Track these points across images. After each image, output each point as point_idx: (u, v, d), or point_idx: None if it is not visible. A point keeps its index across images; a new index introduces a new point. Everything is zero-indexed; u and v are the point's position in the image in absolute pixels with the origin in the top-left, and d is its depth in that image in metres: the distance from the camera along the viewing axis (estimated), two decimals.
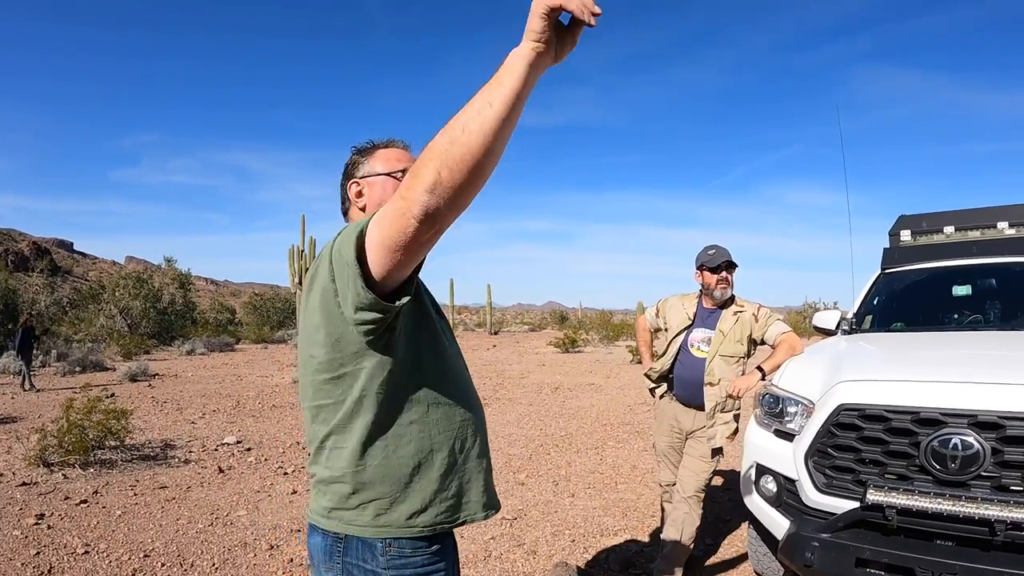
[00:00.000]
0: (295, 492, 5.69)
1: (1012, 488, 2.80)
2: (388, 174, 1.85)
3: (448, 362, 1.77)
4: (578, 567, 4.23)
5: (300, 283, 28.91)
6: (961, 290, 5.22)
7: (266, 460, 6.77)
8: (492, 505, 1.81)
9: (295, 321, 29.06)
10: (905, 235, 5.89)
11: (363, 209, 1.85)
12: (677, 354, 4.26)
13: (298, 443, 7.55)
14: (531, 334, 37.84)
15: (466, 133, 1.26)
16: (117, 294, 23.39)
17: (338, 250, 1.46)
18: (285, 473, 6.31)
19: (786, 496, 3.42)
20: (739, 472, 6.41)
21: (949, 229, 5.67)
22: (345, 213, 1.92)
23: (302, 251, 30.08)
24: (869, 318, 5.37)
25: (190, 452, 6.99)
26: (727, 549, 4.74)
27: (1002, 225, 5.44)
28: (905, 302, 5.51)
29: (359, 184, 1.87)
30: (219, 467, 6.35)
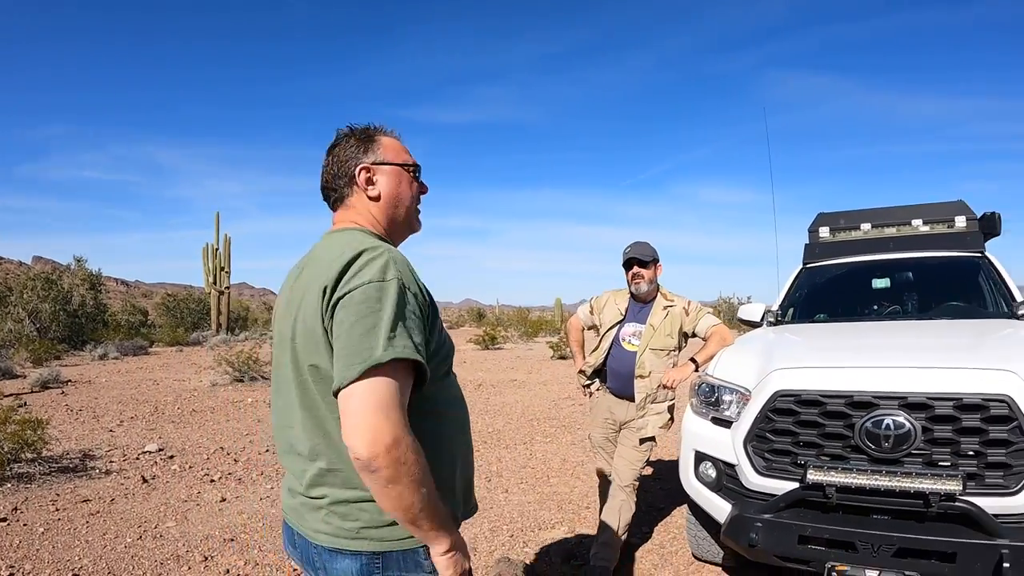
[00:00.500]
0: (224, 500, 5.51)
1: (941, 463, 2.97)
2: (401, 165, 1.82)
3: (449, 361, 1.76)
4: (521, 562, 4.23)
5: (215, 282, 28.09)
6: (880, 283, 5.49)
7: (190, 468, 6.53)
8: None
9: (210, 322, 28.08)
10: (824, 232, 6.15)
11: (375, 198, 1.79)
12: (610, 348, 4.34)
13: (222, 448, 7.32)
14: (450, 331, 37.65)
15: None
16: (25, 296, 22.09)
17: (348, 333, 1.45)
18: (212, 480, 6.10)
19: (726, 481, 3.52)
20: (670, 462, 6.58)
21: (866, 226, 5.95)
22: (338, 198, 1.82)
23: (216, 249, 29.14)
24: (792, 310, 5.58)
25: (111, 462, 6.68)
26: (663, 536, 4.83)
27: (916, 222, 5.75)
28: (827, 295, 5.75)
29: (370, 171, 1.78)
30: (142, 477, 6.08)
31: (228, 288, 28.93)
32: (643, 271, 4.21)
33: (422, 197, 1.91)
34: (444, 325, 1.78)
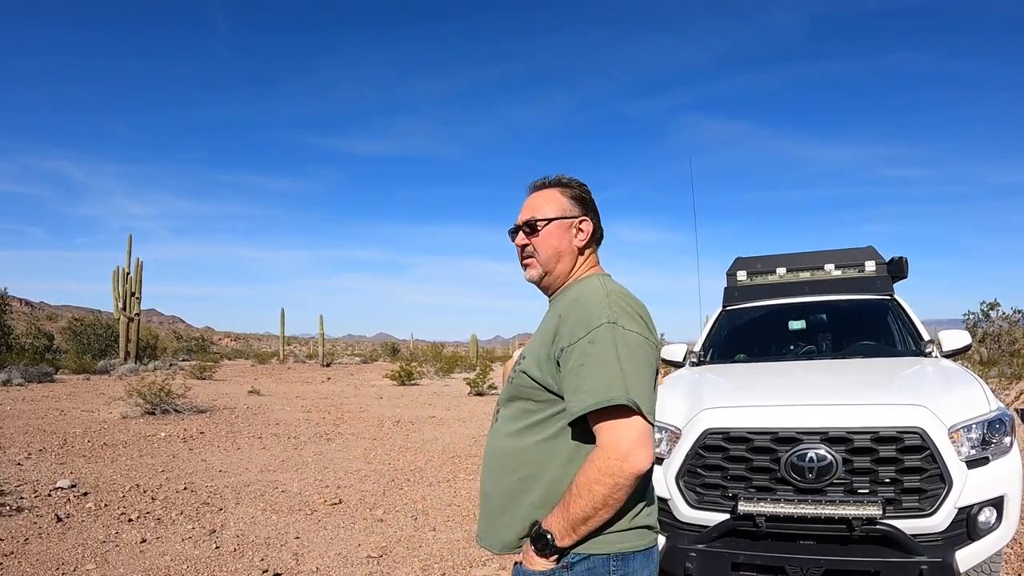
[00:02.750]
0: (144, 541, 5.33)
1: (861, 491, 3.24)
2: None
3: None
4: None
5: (124, 308, 26.96)
6: (796, 324, 5.81)
7: (106, 506, 6.27)
8: None
9: (118, 350, 26.85)
10: (742, 275, 6.47)
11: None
12: None
13: (138, 485, 7.06)
14: (364, 366, 37.25)
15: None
16: None
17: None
18: (129, 520, 5.89)
19: (659, 515, 3.65)
20: None
21: (781, 270, 6.30)
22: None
23: (127, 273, 28.04)
24: (713, 350, 5.83)
25: (21, 498, 6.35)
26: None
27: (829, 267, 6.13)
28: (746, 336, 6.04)
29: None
30: (56, 515, 5.81)
31: (138, 314, 27.93)
32: None
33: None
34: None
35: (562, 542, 1.79)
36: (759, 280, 6.42)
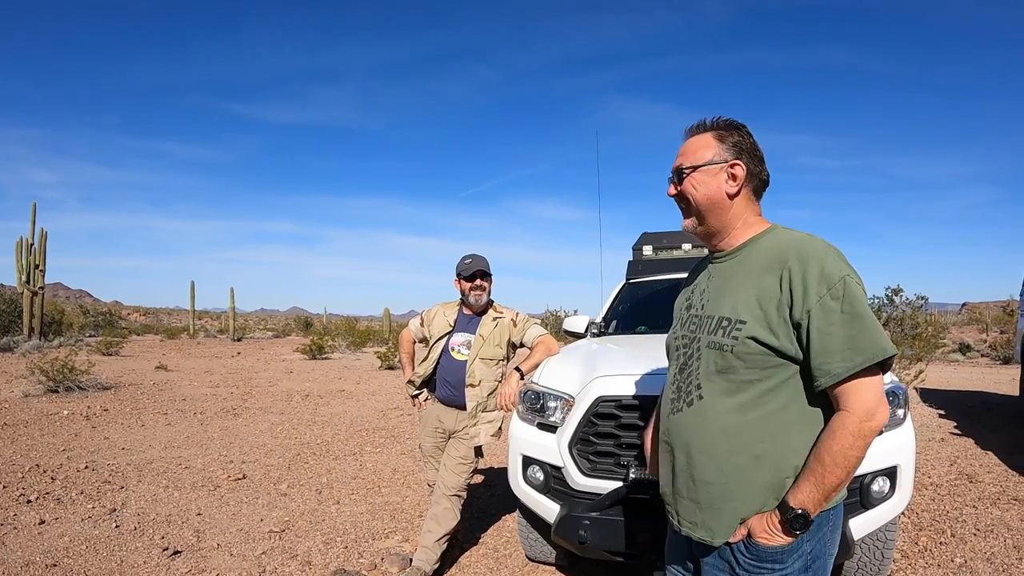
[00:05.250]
0: (43, 522, 5.14)
1: None
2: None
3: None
4: (357, 572, 4.25)
5: (28, 281, 25.50)
6: None
7: (4, 488, 6.01)
8: None
9: (21, 326, 25.40)
10: (647, 250, 6.58)
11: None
12: (439, 358, 4.47)
13: (38, 466, 6.77)
14: (276, 340, 36.49)
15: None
16: None
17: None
18: (28, 501, 5.66)
19: (553, 483, 3.71)
20: (500, 470, 6.78)
21: (687, 246, 6.44)
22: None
23: (31, 244, 26.47)
24: (615, 322, 5.93)
25: None
26: (496, 540, 5.00)
27: None
28: (648, 308, 6.14)
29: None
30: None
31: (43, 288, 26.49)
32: (484, 283, 4.38)
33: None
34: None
35: (814, 515, 1.76)
36: (664, 255, 6.54)
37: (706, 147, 1.96)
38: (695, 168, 1.95)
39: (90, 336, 32.18)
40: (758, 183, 2.00)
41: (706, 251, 2.14)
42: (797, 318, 1.75)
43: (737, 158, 1.95)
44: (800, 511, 1.74)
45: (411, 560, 4.31)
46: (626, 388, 3.49)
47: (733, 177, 1.94)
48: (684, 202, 2.00)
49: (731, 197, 1.95)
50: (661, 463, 2.09)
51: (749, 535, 1.82)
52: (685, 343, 2.01)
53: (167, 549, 4.65)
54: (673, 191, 2.00)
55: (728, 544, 1.86)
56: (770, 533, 1.78)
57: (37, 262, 26.35)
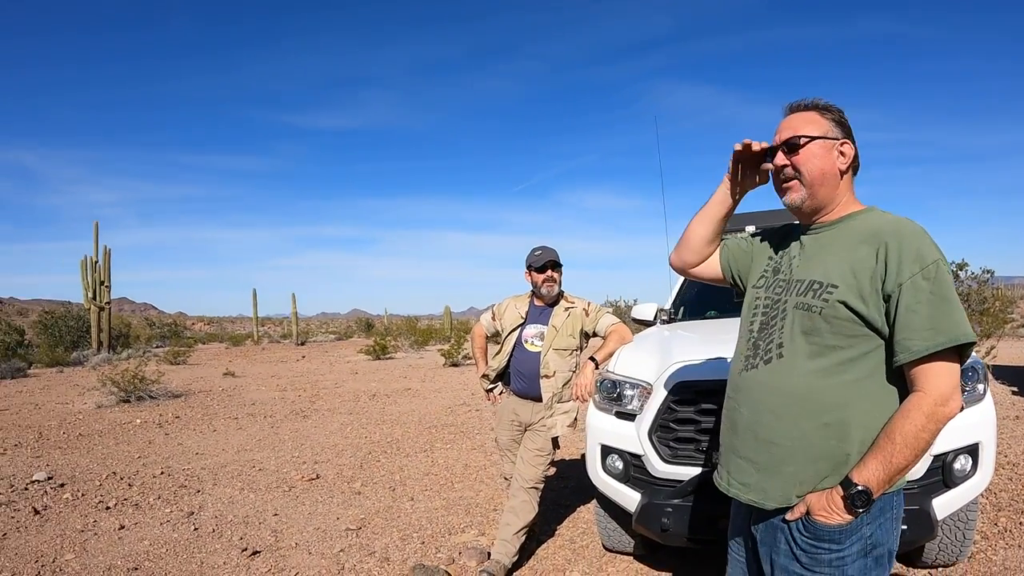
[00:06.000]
0: (123, 527, 5.26)
1: None
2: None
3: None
4: (437, 567, 4.24)
5: (94, 297, 26.48)
6: None
7: (83, 495, 6.18)
8: None
9: (90, 340, 26.39)
10: None
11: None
12: (512, 351, 4.44)
13: (115, 473, 6.96)
14: (339, 343, 37.04)
15: None
16: None
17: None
18: (107, 508, 5.81)
19: (634, 471, 3.65)
20: (572, 461, 6.73)
21: (751, 228, 6.28)
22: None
23: (95, 262, 27.50)
24: (683, 308, 5.82)
25: None
26: (572, 531, 4.95)
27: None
28: (716, 292, 6.01)
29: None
30: (33, 508, 5.71)
31: (109, 303, 27.47)
32: (555, 274, 4.34)
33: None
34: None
35: (877, 494, 1.75)
36: (728, 238, 6.38)
37: (816, 123, 1.98)
38: (812, 139, 1.95)
39: (157, 347, 33.14)
40: (856, 165, 2.03)
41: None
42: (888, 291, 1.77)
43: (845, 137, 1.98)
44: (863, 488, 1.73)
45: (489, 553, 4.30)
46: (704, 373, 3.42)
47: (842, 155, 1.97)
48: (793, 175, 1.98)
49: (841, 174, 1.98)
50: (724, 422, 2.11)
51: (808, 513, 1.82)
52: (769, 303, 2.03)
53: (246, 549, 4.72)
54: (784, 161, 1.98)
55: (785, 522, 1.86)
56: (829, 511, 1.77)
57: (102, 279, 27.25)
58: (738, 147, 2.10)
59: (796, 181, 1.98)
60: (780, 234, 2.24)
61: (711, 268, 2.38)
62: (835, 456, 1.81)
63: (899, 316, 1.75)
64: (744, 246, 2.33)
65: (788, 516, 1.85)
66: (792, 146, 1.96)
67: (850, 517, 1.76)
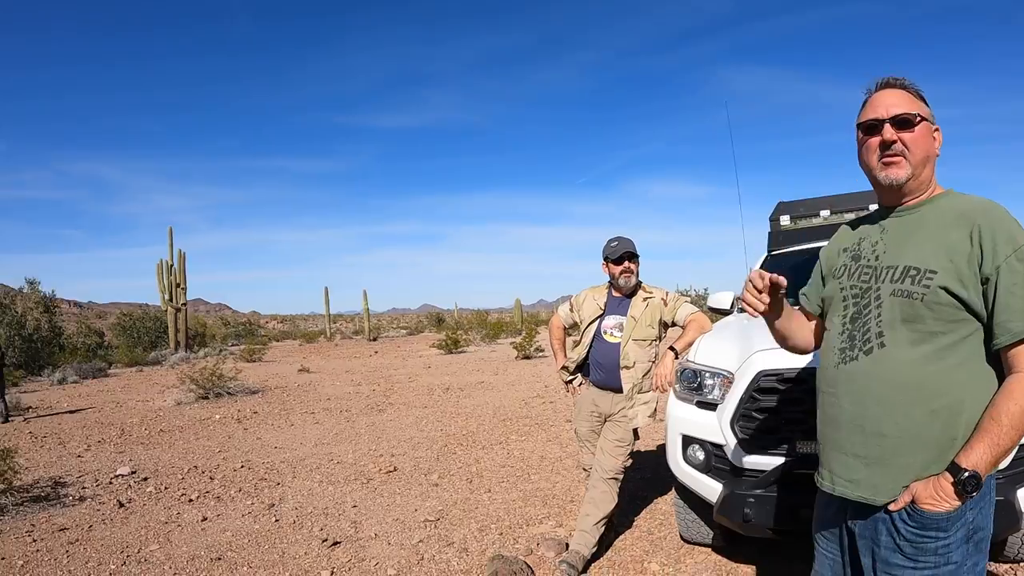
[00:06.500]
0: (205, 519, 5.43)
1: None
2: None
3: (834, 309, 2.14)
4: (516, 557, 4.26)
5: (171, 299, 27.62)
6: None
7: (166, 489, 6.42)
8: None
9: (168, 340, 27.52)
10: (784, 220, 6.29)
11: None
12: (592, 342, 4.42)
13: (196, 467, 7.21)
14: (410, 338, 37.54)
15: None
16: None
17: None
18: (190, 500, 6.01)
19: (715, 461, 3.59)
20: (647, 453, 6.67)
21: (825, 213, 6.11)
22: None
23: (171, 265, 28.73)
24: None
25: (83, 488, 6.53)
26: (650, 523, 4.91)
27: (873, 206, 5.90)
28: (793, 279, 5.84)
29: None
30: (118, 501, 5.95)
31: (185, 304, 28.62)
32: (632, 265, 4.31)
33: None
34: None
35: (985, 476, 1.75)
36: (803, 224, 6.23)
37: (919, 105, 1.96)
38: (923, 119, 1.93)
39: (232, 345, 34.19)
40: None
41: (845, 216, 2.10)
42: (987, 273, 1.75)
43: (935, 124, 1.98)
44: (973, 472, 1.71)
45: (567, 544, 4.29)
46: (787, 361, 3.33)
47: (935, 140, 1.97)
48: (901, 150, 1.93)
49: (936, 157, 1.98)
50: (821, 418, 2.07)
51: (913, 502, 1.78)
52: (857, 292, 1.98)
53: (326, 540, 4.81)
54: (893, 135, 1.92)
55: (888, 512, 1.83)
56: (937, 498, 1.74)
57: (178, 281, 28.38)
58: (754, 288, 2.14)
59: (903, 157, 1.92)
60: (845, 231, 2.23)
61: (812, 332, 2.35)
62: (942, 442, 1.78)
63: (998, 298, 1.74)
64: (814, 283, 2.30)
65: (892, 507, 1.81)
66: (905, 122, 1.91)
67: (959, 503, 1.73)
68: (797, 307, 2.35)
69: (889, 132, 1.91)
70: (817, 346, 2.29)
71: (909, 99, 1.94)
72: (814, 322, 2.30)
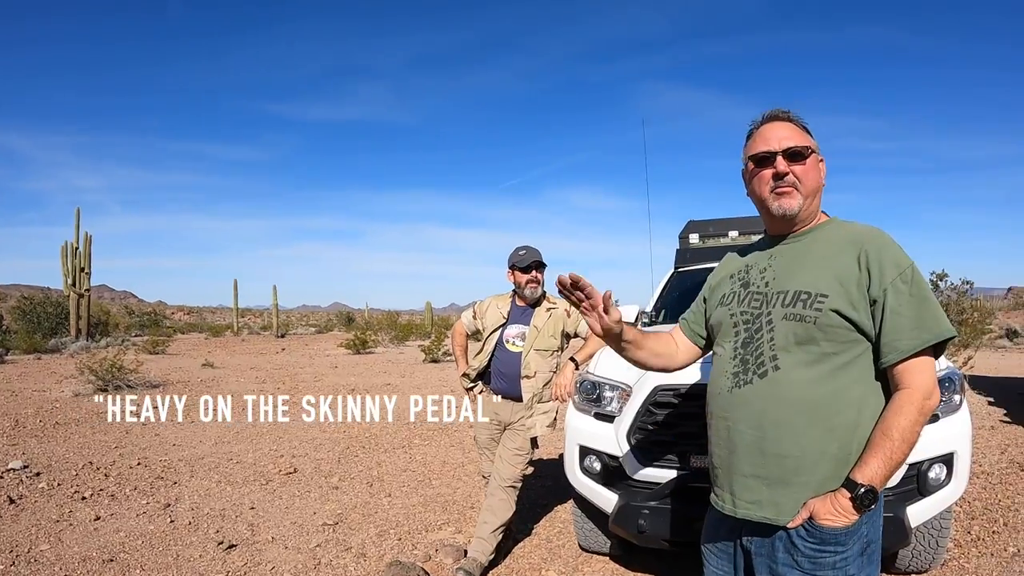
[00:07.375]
0: (98, 518, 5.22)
1: None
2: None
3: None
4: (414, 564, 4.24)
5: (74, 284, 26.20)
6: None
7: (59, 485, 6.13)
8: None
9: (69, 327, 26.10)
10: (694, 238, 6.47)
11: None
12: (494, 351, 4.45)
13: (91, 463, 6.91)
14: (319, 336, 36.93)
15: None
16: None
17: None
18: (83, 498, 5.76)
19: (611, 472, 3.67)
20: (550, 461, 6.75)
21: (734, 233, 6.32)
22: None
23: (76, 248, 27.25)
24: (664, 311, 5.85)
25: None
26: (549, 531, 4.97)
27: None
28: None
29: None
30: (8, 497, 5.65)
31: (88, 291, 27.24)
32: (539, 275, 4.35)
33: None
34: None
35: (880, 490, 1.80)
36: (711, 243, 6.43)
37: (806, 137, 2.03)
38: (812, 152, 2.00)
39: (136, 336, 32.83)
40: None
41: (753, 238, 2.17)
42: (874, 295, 1.84)
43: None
44: (869, 486, 1.77)
45: (466, 551, 4.31)
46: (684, 376, 3.42)
47: (821, 171, 2.05)
48: (794, 182, 1.99)
49: (822, 187, 2.06)
50: (716, 441, 2.10)
51: (811, 518, 1.83)
52: (748, 318, 2.03)
53: (222, 543, 4.70)
54: (786, 168, 1.98)
55: (786, 529, 1.87)
56: (836, 514, 1.79)
57: (83, 265, 26.99)
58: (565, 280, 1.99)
59: (794, 189, 1.98)
60: (740, 251, 2.31)
61: (688, 353, 2.37)
62: (839, 459, 1.84)
63: (885, 319, 1.83)
64: (697, 308, 2.36)
65: (790, 524, 1.86)
66: (796, 155, 1.97)
67: (857, 517, 1.80)
68: (673, 327, 2.41)
69: (782, 164, 1.97)
70: (681, 367, 2.37)
71: (798, 132, 2.01)
72: (687, 346, 2.35)
